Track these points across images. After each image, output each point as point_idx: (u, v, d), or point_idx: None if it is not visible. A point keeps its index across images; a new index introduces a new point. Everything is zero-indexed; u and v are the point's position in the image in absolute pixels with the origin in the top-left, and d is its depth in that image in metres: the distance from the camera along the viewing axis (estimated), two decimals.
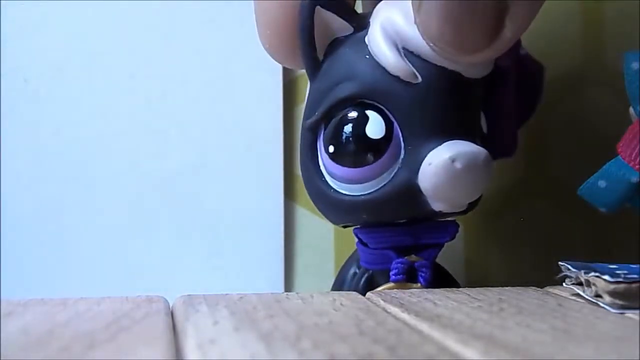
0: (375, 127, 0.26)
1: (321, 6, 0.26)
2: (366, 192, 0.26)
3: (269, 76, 0.36)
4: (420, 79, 0.25)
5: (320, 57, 0.27)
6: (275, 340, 0.17)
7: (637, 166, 0.27)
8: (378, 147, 0.26)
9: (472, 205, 0.28)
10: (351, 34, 0.27)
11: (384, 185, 0.26)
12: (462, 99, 0.26)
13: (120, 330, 0.18)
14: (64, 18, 0.36)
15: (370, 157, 0.26)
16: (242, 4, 0.36)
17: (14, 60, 0.36)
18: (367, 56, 0.26)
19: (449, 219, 0.28)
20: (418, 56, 0.25)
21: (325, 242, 0.36)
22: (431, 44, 0.24)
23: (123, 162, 0.36)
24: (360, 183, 0.26)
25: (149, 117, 0.36)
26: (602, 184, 0.28)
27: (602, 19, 0.38)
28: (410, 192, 0.26)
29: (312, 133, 0.27)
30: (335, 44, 0.27)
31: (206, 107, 0.36)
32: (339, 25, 0.27)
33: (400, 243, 0.27)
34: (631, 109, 0.28)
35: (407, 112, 0.25)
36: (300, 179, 0.29)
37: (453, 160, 0.25)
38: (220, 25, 0.37)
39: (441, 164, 0.25)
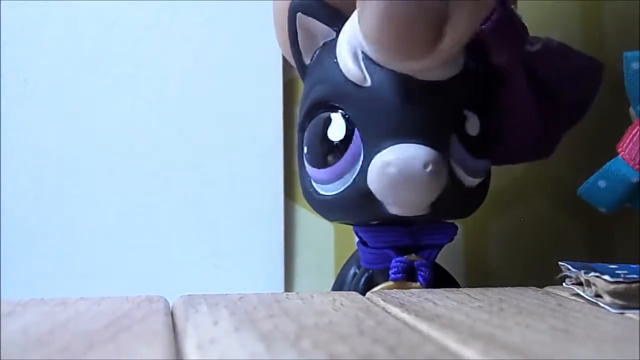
0: (336, 130, 0.26)
1: (302, 12, 0.27)
2: (332, 193, 0.26)
3: (269, 76, 0.36)
4: (369, 82, 0.25)
5: (307, 61, 0.28)
6: (275, 340, 0.17)
7: (637, 166, 0.27)
8: (337, 149, 0.26)
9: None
10: (333, 38, 0.27)
11: (347, 187, 0.26)
12: (415, 102, 0.25)
13: (120, 330, 0.18)
14: (64, 18, 0.36)
15: (330, 158, 0.26)
16: (242, 4, 0.36)
17: (14, 60, 0.36)
18: (335, 60, 0.26)
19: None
20: (371, 60, 0.25)
21: (325, 242, 0.36)
22: (370, 46, 0.24)
23: (123, 162, 0.36)
24: (327, 184, 0.26)
25: (149, 117, 0.36)
26: (602, 184, 0.28)
27: (602, 19, 0.38)
28: (367, 196, 0.25)
29: (301, 133, 0.28)
30: (322, 47, 0.27)
31: (206, 106, 0.36)
32: (323, 30, 0.27)
33: (399, 243, 0.27)
34: (631, 109, 0.28)
35: (363, 115, 0.25)
36: None
37: (387, 165, 0.24)
38: (220, 25, 0.37)
39: (377, 169, 0.25)
